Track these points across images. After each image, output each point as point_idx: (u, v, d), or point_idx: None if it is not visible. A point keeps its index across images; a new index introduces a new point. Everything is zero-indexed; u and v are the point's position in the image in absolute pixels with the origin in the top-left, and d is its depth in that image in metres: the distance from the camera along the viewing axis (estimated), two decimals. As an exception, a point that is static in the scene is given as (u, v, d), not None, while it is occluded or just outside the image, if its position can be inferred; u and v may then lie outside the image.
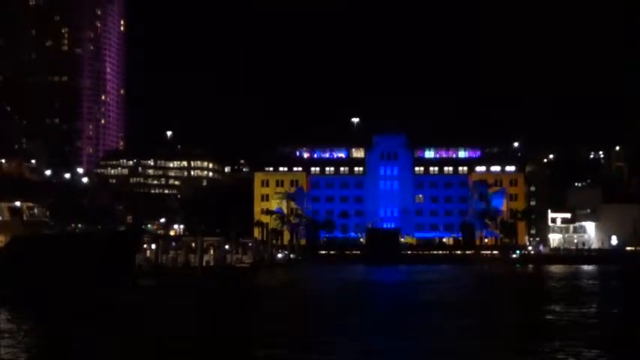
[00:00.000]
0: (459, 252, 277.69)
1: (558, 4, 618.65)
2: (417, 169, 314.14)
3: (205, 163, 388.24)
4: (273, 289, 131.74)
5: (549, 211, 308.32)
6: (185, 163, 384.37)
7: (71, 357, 53.49)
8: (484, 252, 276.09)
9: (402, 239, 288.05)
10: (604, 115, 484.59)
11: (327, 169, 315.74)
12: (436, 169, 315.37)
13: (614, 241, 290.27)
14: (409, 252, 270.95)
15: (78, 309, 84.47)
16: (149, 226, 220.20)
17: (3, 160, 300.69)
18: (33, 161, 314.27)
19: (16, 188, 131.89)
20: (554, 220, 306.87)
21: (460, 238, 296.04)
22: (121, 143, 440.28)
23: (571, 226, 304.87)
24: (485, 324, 72.54)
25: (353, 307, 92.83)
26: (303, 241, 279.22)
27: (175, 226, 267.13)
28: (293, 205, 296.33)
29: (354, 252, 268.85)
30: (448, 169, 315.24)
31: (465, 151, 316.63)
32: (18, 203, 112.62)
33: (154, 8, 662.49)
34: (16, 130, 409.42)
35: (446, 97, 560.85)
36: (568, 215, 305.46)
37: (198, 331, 68.41)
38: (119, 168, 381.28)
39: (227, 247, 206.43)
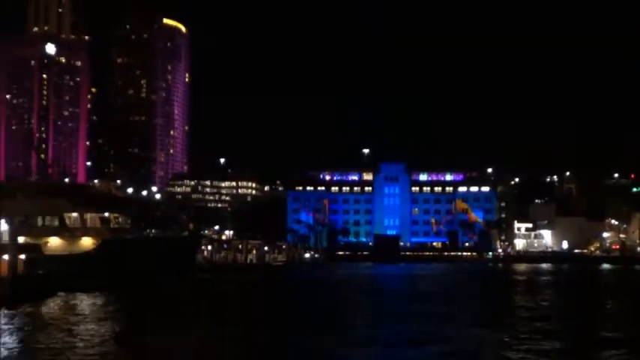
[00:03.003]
0: (445, 253, 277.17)
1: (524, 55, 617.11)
2: (413, 188, 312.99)
3: (250, 184, 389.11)
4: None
5: (515, 221, 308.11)
6: (234, 184, 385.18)
7: (147, 328, 55.28)
8: (465, 253, 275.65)
9: (402, 243, 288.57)
10: (558, 148, 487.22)
11: (343, 188, 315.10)
12: (428, 188, 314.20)
13: (565, 245, 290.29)
14: (407, 253, 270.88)
15: (152, 295, 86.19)
16: (206, 231, 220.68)
17: (96, 181, 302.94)
18: (118, 181, 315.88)
19: (105, 203, 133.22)
20: (519, 229, 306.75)
21: (447, 243, 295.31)
22: (185, 168, 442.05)
23: (532, 234, 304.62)
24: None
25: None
26: (324, 244, 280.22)
27: (226, 232, 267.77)
28: (317, 216, 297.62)
29: (364, 253, 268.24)
30: (438, 189, 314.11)
31: (450, 175, 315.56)
32: (106, 214, 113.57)
33: (210, 65, 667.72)
34: (106, 158, 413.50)
35: (436, 133, 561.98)
36: (530, 225, 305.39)
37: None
38: (183, 187, 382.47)
39: (266, 248, 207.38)
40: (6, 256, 79.57)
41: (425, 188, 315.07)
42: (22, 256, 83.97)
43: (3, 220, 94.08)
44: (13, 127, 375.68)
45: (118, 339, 49.09)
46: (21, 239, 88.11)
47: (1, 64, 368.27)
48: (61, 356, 41.74)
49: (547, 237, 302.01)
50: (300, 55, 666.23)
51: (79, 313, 64.93)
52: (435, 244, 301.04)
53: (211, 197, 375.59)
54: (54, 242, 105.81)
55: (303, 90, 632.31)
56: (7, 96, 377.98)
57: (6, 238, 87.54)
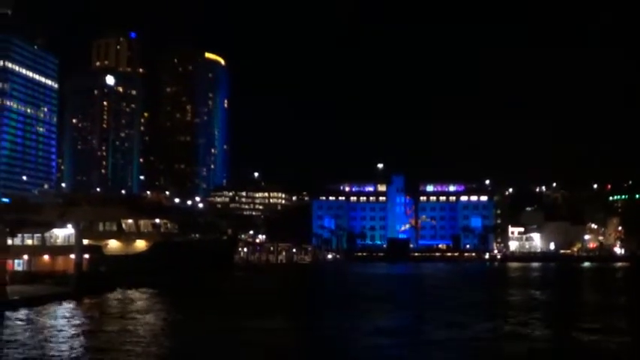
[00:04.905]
0: (449, 254, 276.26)
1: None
2: (421, 198, 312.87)
3: (280, 194, 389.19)
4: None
5: (509, 226, 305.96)
6: (266, 194, 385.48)
7: (190, 317, 56.28)
8: (466, 254, 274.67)
9: (411, 245, 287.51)
10: (542, 163, 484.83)
11: (361, 198, 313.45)
12: (434, 198, 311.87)
13: (552, 246, 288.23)
14: (416, 254, 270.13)
15: (196, 289, 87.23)
16: (242, 236, 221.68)
17: (148, 192, 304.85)
18: (167, 193, 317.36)
19: (156, 211, 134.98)
20: (512, 233, 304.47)
21: (450, 245, 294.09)
22: (225, 181, 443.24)
23: (524, 237, 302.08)
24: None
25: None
26: (345, 246, 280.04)
27: (259, 236, 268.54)
28: (339, 221, 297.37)
29: (379, 254, 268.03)
30: (442, 198, 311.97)
31: (453, 186, 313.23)
32: (157, 220, 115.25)
33: (245, 94, 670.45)
34: (156, 172, 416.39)
35: (440, 150, 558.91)
36: (522, 229, 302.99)
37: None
38: (223, 197, 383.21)
39: (294, 250, 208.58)
40: (72, 256, 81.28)
41: (431, 198, 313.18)
42: (86, 256, 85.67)
43: (70, 225, 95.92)
44: (79, 147, 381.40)
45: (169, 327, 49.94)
46: (85, 241, 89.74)
47: (69, 93, 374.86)
48: (119, 339, 42.81)
49: (537, 239, 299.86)
50: (318, 83, 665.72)
51: (135, 304, 66.09)
52: (440, 246, 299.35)
53: (247, 206, 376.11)
54: (113, 244, 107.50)
55: (321, 111, 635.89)
56: (74, 120, 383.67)
57: (72, 240, 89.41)
